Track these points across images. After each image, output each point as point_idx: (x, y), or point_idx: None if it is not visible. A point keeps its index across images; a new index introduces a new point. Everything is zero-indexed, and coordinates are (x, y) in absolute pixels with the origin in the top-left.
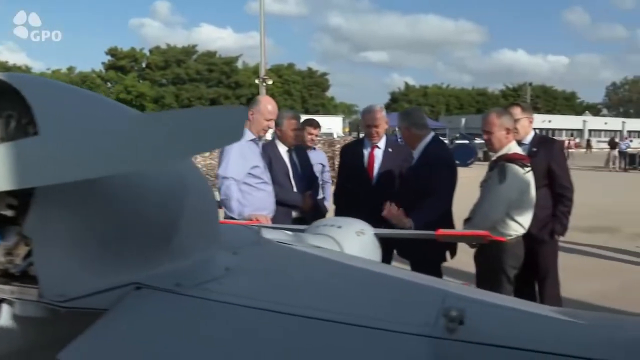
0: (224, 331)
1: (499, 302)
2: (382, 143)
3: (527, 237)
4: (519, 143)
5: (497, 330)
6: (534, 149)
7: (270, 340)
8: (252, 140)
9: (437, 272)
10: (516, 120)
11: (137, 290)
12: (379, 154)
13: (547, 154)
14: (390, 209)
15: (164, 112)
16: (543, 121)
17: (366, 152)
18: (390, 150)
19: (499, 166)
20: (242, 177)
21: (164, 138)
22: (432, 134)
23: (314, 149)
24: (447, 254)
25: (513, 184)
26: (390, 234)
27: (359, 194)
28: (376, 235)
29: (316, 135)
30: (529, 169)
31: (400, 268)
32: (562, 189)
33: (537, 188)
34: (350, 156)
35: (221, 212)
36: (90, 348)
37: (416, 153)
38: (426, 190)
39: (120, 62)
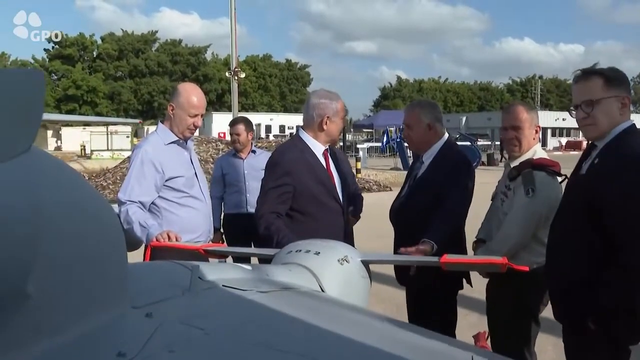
0: None
1: None
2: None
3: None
4: None
5: None
6: None
7: None
8: (174, 142)
9: (451, 305)
10: None
11: None
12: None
13: None
14: (409, 251)
15: None
16: (556, 119)
17: (322, 159)
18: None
19: (525, 174)
20: (151, 196)
21: None
22: (446, 134)
23: (254, 152)
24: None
25: (544, 198)
26: (381, 261)
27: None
28: (363, 262)
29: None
30: (562, 178)
31: (391, 322)
32: None
33: None
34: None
35: None
36: None
37: (427, 157)
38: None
39: (67, 51)
